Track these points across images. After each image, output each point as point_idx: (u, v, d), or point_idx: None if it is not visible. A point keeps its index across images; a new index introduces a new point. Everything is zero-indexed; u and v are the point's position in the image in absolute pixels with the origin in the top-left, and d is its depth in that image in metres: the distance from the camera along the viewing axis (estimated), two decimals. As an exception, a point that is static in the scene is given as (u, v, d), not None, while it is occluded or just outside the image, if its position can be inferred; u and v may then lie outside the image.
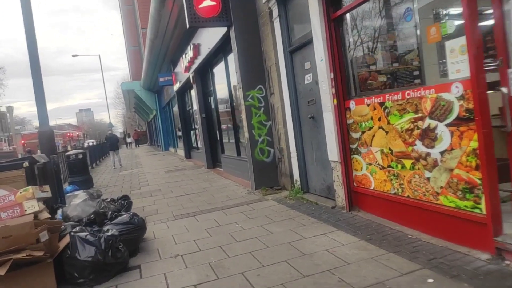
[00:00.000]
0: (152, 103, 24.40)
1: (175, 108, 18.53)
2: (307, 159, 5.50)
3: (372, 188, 4.07)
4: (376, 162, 3.94)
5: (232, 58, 7.82)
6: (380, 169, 3.89)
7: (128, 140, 40.21)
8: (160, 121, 24.33)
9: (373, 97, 3.84)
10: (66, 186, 9.33)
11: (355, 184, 4.38)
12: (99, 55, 36.70)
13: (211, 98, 10.21)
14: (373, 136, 3.92)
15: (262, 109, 6.46)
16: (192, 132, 14.56)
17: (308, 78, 5.10)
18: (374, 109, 3.84)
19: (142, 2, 21.01)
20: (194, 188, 7.54)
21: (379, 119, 3.79)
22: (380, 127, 3.80)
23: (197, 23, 6.25)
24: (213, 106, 10.19)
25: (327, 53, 4.39)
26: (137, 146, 40.75)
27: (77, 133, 75.95)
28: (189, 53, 10.04)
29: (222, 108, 9.50)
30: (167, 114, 22.66)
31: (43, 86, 5.78)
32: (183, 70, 11.63)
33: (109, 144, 15.35)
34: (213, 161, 10.69)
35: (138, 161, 17.47)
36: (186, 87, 13.67)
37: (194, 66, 10.34)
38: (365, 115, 4.00)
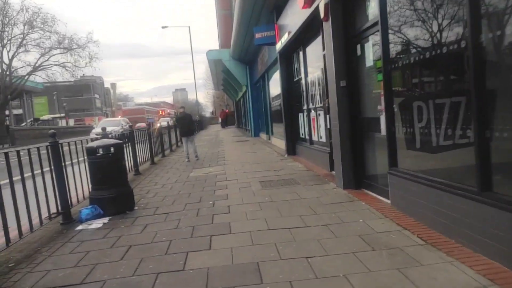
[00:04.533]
0: (242, 77, 19.84)
1: (272, 81, 13.57)
2: None
3: None
4: None
5: None
6: None
7: None
8: (251, 99, 19.71)
9: None
10: (82, 209, 4.95)
11: None
12: (188, 26, 33.64)
13: (367, 45, 4.84)
14: None
15: None
16: (300, 116, 9.40)
17: None
18: None
19: None
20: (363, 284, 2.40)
21: None
22: None
23: None
24: (369, 63, 4.82)
25: None
26: (223, 127, 37.38)
27: (168, 110, 76.87)
28: None
29: (415, 57, 3.95)
30: (260, 92, 17.89)
31: None
32: (303, 2, 6.40)
33: (180, 127, 10.93)
34: (356, 175, 5.36)
35: (221, 151, 12.96)
36: (298, 42, 8.45)
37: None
38: None
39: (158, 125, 12.87)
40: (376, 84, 4.69)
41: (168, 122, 16.14)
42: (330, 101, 5.73)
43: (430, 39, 3.44)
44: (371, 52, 4.75)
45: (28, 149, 4.37)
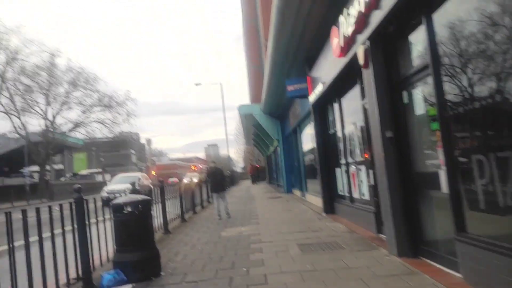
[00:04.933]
0: (273, 131, 19.69)
1: (305, 135, 13.22)
2: None
3: None
4: None
5: None
6: None
7: None
8: (283, 154, 19.32)
9: None
10: (103, 273, 4.48)
11: None
12: (220, 83, 35.04)
13: (415, 91, 4.39)
14: None
15: None
16: (338, 171, 8.82)
17: None
18: None
19: (266, 5, 16.93)
20: None
21: None
22: None
23: None
24: (419, 111, 4.32)
25: None
26: (253, 183, 36.66)
27: (200, 165, 77.88)
28: (357, 4, 4.56)
29: (481, 101, 3.36)
30: (292, 145, 17.53)
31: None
32: (338, 51, 6.15)
33: (211, 182, 10.53)
34: (413, 240, 4.62)
35: (254, 208, 12.38)
36: (333, 92, 8.14)
37: (369, 30, 4.78)
38: None
39: (185, 180, 11.97)
40: (429, 133, 4.16)
41: (198, 178, 15.81)
42: (374, 154, 5.20)
43: (498, 79, 2.95)
44: (421, 98, 4.28)
45: (49, 206, 4.08)
